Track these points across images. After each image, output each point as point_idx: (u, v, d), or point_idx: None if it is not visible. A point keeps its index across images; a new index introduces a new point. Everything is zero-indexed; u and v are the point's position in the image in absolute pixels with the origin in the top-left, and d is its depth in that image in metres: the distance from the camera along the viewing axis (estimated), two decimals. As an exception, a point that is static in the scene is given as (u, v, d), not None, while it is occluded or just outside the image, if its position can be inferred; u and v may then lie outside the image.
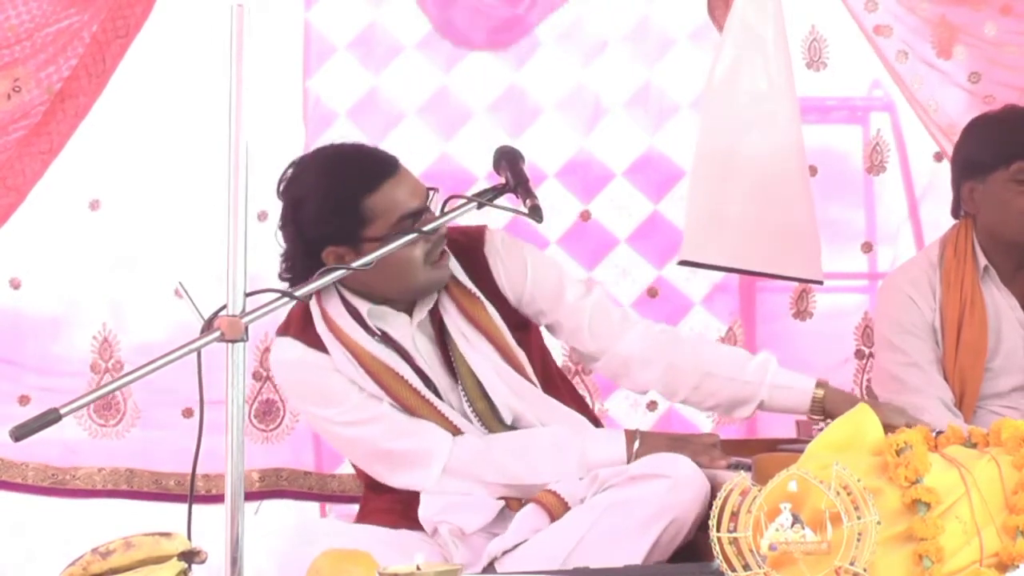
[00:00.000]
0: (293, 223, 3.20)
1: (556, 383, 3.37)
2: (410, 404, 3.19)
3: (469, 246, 3.32)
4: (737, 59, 3.95)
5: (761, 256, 3.96)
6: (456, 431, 3.20)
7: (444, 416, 3.20)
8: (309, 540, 3.00)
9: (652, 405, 4.14)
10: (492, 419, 3.22)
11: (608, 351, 3.30)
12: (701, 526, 2.98)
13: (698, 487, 3.00)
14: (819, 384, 3.22)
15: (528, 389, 3.25)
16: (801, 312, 4.23)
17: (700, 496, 2.98)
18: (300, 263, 3.18)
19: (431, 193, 3.19)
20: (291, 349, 3.22)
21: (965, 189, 3.74)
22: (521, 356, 3.26)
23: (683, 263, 3.93)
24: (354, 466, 3.44)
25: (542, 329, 3.40)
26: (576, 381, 3.99)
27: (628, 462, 3.18)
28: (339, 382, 3.19)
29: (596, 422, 3.40)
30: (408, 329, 3.24)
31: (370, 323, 3.21)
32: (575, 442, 3.19)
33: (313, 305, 3.24)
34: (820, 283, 4.08)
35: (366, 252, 2.89)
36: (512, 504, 3.17)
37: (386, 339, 3.21)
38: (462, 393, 3.21)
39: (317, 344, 3.21)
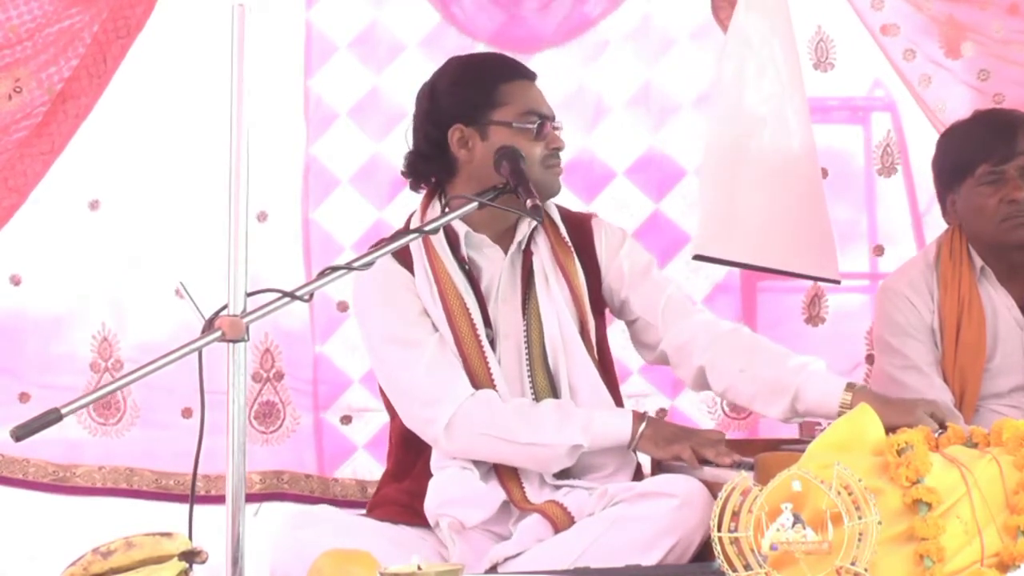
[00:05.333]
0: (426, 103, 3.35)
1: (606, 365, 3.38)
2: (462, 338, 3.24)
3: (579, 217, 3.48)
4: (743, 59, 3.95)
5: (776, 253, 3.96)
6: (488, 380, 3.23)
7: (486, 361, 3.24)
8: (302, 524, 3.07)
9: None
10: (542, 366, 3.27)
11: (671, 332, 3.34)
12: (706, 544, 2.97)
13: (705, 508, 2.99)
14: (850, 386, 3.16)
15: (578, 347, 3.28)
16: (813, 317, 4.22)
17: (707, 517, 2.94)
18: (424, 148, 3.34)
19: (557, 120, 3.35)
20: (381, 259, 3.20)
21: (948, 202, 3.79)
22: (589, 320, 3.32)
23: (697, 257, 3.93)
24: (389, 442, 3.45)
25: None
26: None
27: (631, 442, 3.21)
28: (408, 298, 3.27)
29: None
30: (499, 264, 3.31)
31: (463, 251, 3.28)
32: (582, 411, 3.21)
33: (416, 221, 3.32)
34: (837, 282, 4.06)
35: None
36: (514, 495, 3.18)
37: (471, 275, 3.28)
38: (524, 336, 3.28)
39: (406, 260, 3.28)
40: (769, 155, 3.94)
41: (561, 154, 3.41)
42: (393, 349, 3.27)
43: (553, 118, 3.33)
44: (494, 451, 3.19)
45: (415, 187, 3.42)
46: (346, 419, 4.09)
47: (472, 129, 3.29)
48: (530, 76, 3.38)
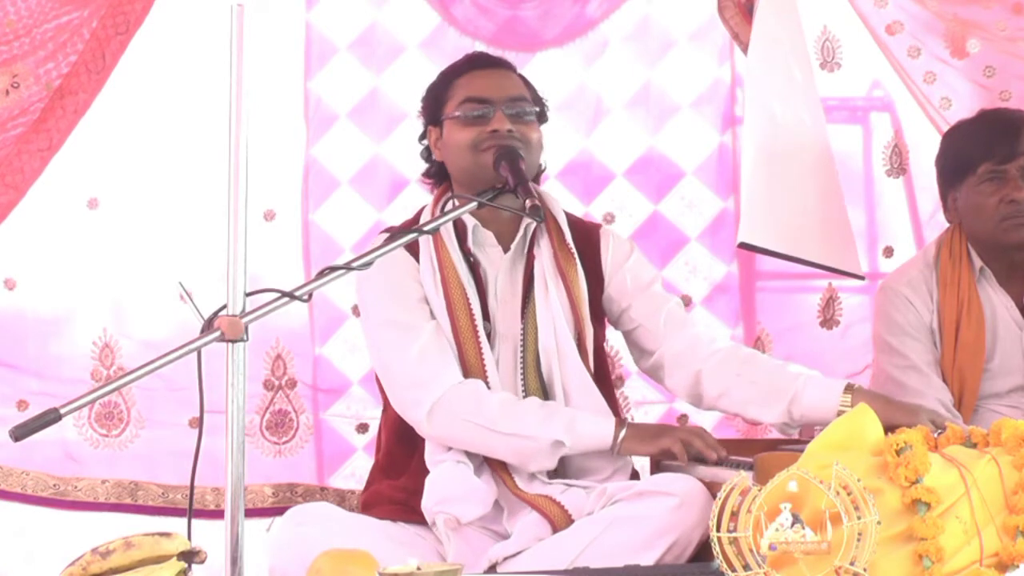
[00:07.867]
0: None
1: (602, 373, 3.39)
2: (460, 328, 3.26)
3: (587, 225, 3.53)
4: (766, 61, 3.96)
5: (811, 246, 3.98)
6: (482, 372, 3.24)
7: (480, 353, 3.25)
8: (301, 522, 3.06)
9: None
10: (535, 371, 3.29)
11: (672, 339, 3.37)
12: (705, 543, 2.98)
13: (704, 507, 3.00)
14: (848, 388, 3.18)
15: (572, 354, 3.28)
16: (828, 320, 4.22)
17: (705, 517, 2.96)
18: (423, 153, 3.48)
19: (526, 106, 3.34)
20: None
21: (949, 200, 3.80)
22: (587, 328, 3.32)
23: (743, 246, 3.95)
24: (378, 435, 3.46)
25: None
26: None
27: (613, 447, 3.21)
28: (410, 284, 3.31)
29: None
30: (498, 264, 3.33)
31: (470, 246, 3.31)
32: (566, 410, 3.23)
33: (427, 212, 3.37)
34: (862, 278, 4.08)
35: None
36: (508, 482, 3.19)
37: (475, 268, 3.32)
38: (520, 340, 3.29)
39: (412, 247, 3.32)
40: (794, 155, 3.97)
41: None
42: (389, 332, 3.29)
43: (505, 102, 3.30)
44: (475, 439, 3.19)
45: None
46: (362, 427, 4.07)
47: (437, 128, 3.38)
48: (485, 65, 3.42)
